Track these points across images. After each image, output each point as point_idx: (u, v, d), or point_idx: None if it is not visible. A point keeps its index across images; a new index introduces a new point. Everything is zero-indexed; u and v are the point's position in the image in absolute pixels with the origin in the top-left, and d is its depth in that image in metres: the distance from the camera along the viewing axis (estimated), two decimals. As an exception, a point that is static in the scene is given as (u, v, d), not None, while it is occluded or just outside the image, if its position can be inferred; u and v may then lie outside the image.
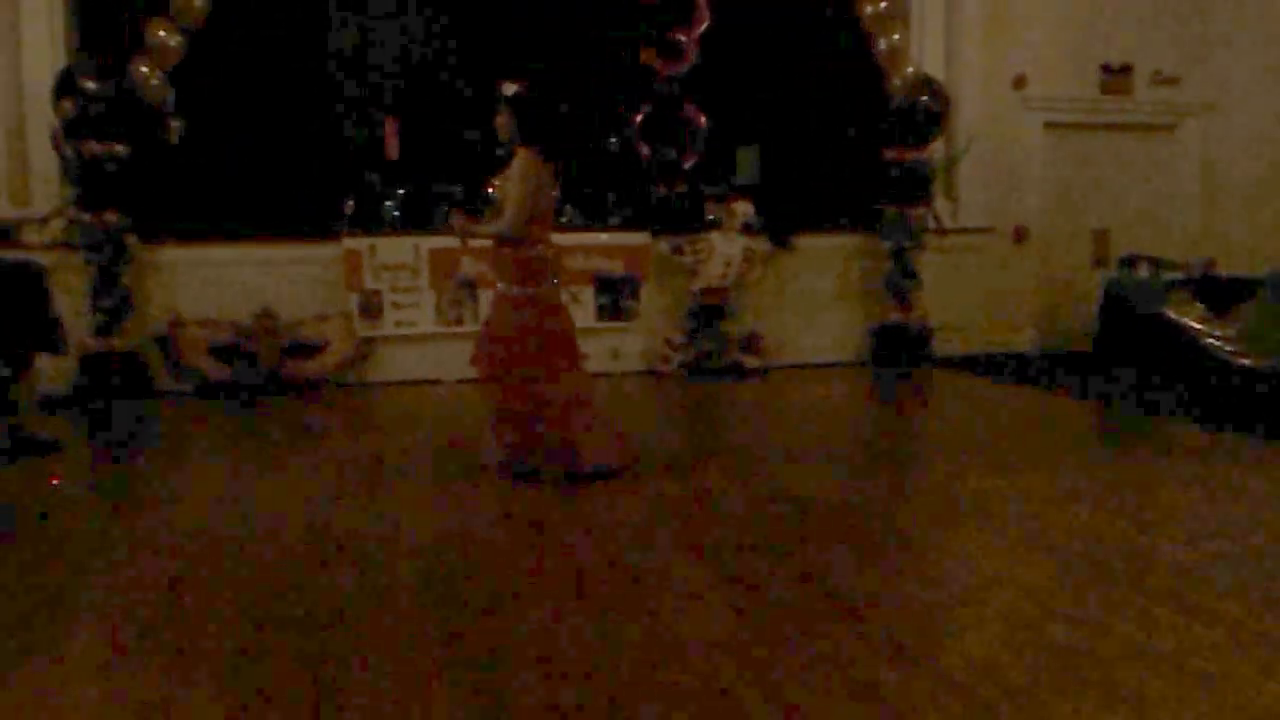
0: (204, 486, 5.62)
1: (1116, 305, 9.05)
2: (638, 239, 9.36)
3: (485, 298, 8.39)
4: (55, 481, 5.67)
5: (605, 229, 9.36)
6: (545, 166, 5.16)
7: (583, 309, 9.16)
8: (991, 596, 3.71)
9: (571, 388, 5.23)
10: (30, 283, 6.40)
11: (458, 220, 5.24)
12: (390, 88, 9.38)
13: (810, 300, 9.89)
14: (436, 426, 7.08)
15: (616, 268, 9.30)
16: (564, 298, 5.54)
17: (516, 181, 5.02)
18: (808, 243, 9.78)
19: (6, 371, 6.31)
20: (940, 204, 10.14)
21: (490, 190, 5.42)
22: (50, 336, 6.51)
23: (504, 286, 5.21)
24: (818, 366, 9.77)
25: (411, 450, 6.24)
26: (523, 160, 5.05)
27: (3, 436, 6.28)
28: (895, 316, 9.83)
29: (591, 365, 8.43)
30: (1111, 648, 3.26)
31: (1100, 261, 10.32)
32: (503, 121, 5.19)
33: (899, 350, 9.79)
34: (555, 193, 5.42)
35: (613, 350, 9.36)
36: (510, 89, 5.14)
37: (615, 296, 9.31)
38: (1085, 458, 6.21)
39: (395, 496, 5.23)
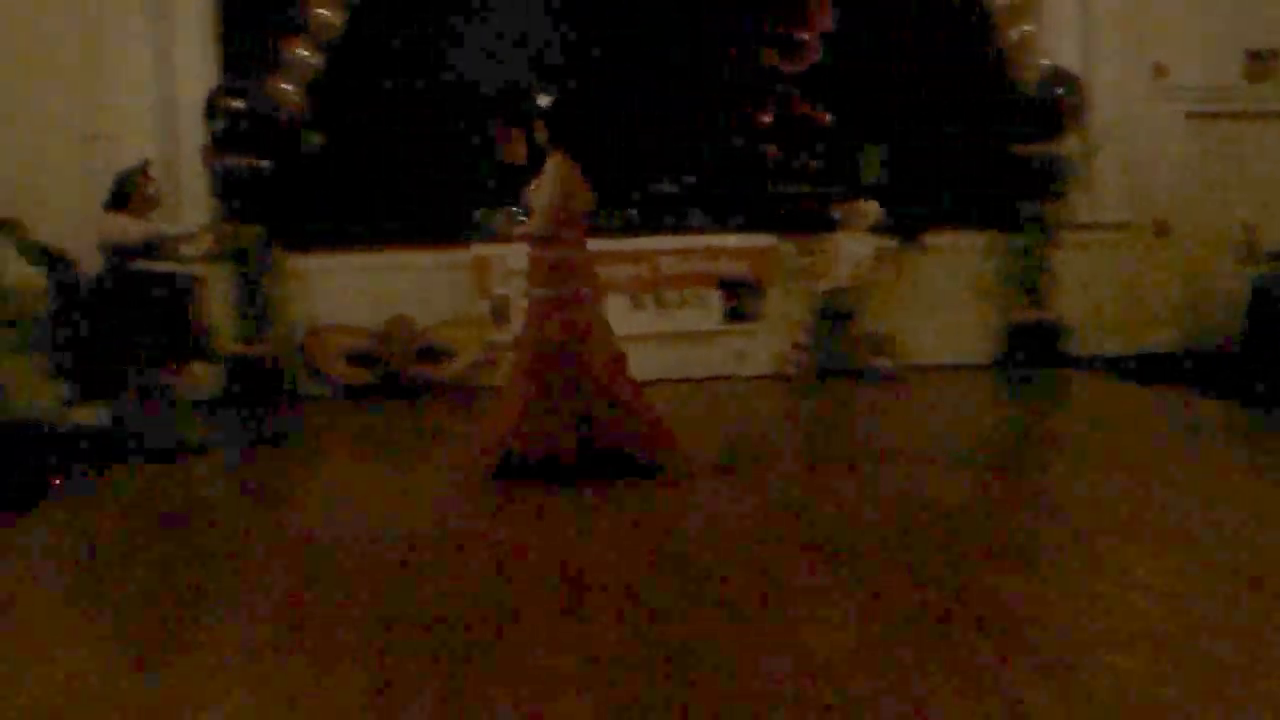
0: (339, 487, 5.74)
1: (1267, 302, 8.60)
2: (763, 241, 9.28)
3: (613, 303, 8.16)
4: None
5: (730, 231, 9.29)
6: (576, 170, 5.34)
7: (708, 312, 9.16)
8: (1137, 607, 3.57)
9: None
10: (182, 293, 6.70)
11: (500, 222, 5.60)
12: (511, 95, 9.30)
13: (940, 300, 9.64)
14: None
15: (742, 270, 9.23)
16: (599, 300, 5.69)
17: (548, 184, 5.24)
18: (937, 241, 9.55)
19: (157, 378, 6.61)
20: (1076, 198, 9.77)
21: (528, 192, 5.57)
22: (201, 344, 6.84)
23: (536, 291, 5.40)
24: (948, 367, 9.49)
25: None
26: (555, 164, 5.28)
27: (166, 437, 6.57)
28: (1029, 315, 9.52)
29: (716, 368, 8.86)
30: (1268, 662, 3.10)
31: (1249, 256, 9.82)
32: (539, 131, 5.43)
33: (1033, 350, 9.48)
34: (590, 198, 5.57)
35: (738, 353, 9.29)
36: (544, 100, 5.47)
37: (741, 299, 9.23)
38: (1231, 463, 5.93)
39: (519, 498, 5.23)
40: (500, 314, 8.89)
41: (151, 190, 6.75)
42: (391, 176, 9.19)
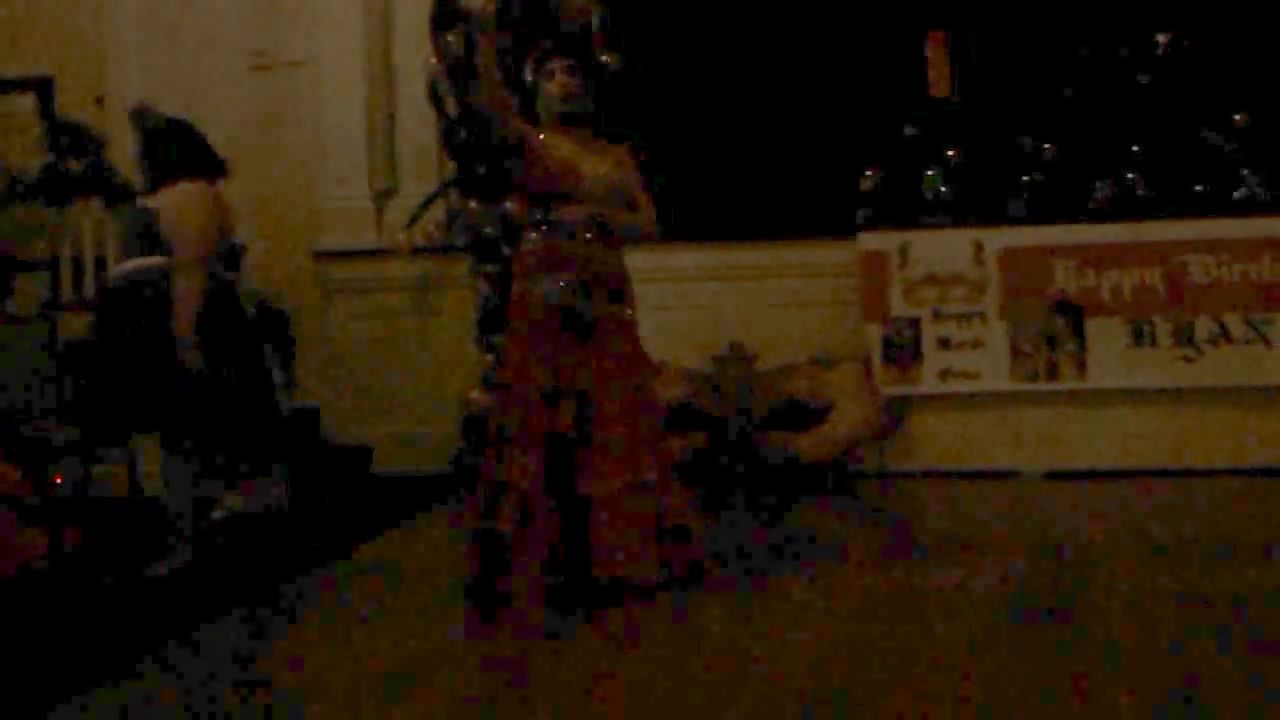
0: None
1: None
2: None
3: (1096, 331, 7.31)
4: None
5: None
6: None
7: (1275, 353, 7.29)
8: None
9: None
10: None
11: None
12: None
13: None
14: (1011, 558, 5.87)
15: None
16: None
17: (632, 172, 5.29)
18: None
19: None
20: None
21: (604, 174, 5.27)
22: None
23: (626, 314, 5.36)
24: None
25: (969, 601, 5.11)
26: (629, 156, 5.36)
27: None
28: None
29: None
30: None
31: None
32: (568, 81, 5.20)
33: None
34: None
35: None
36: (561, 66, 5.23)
37: None
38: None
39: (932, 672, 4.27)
40: (902, 350, 7.61)
41: None
42: (727, 128, 8.00)
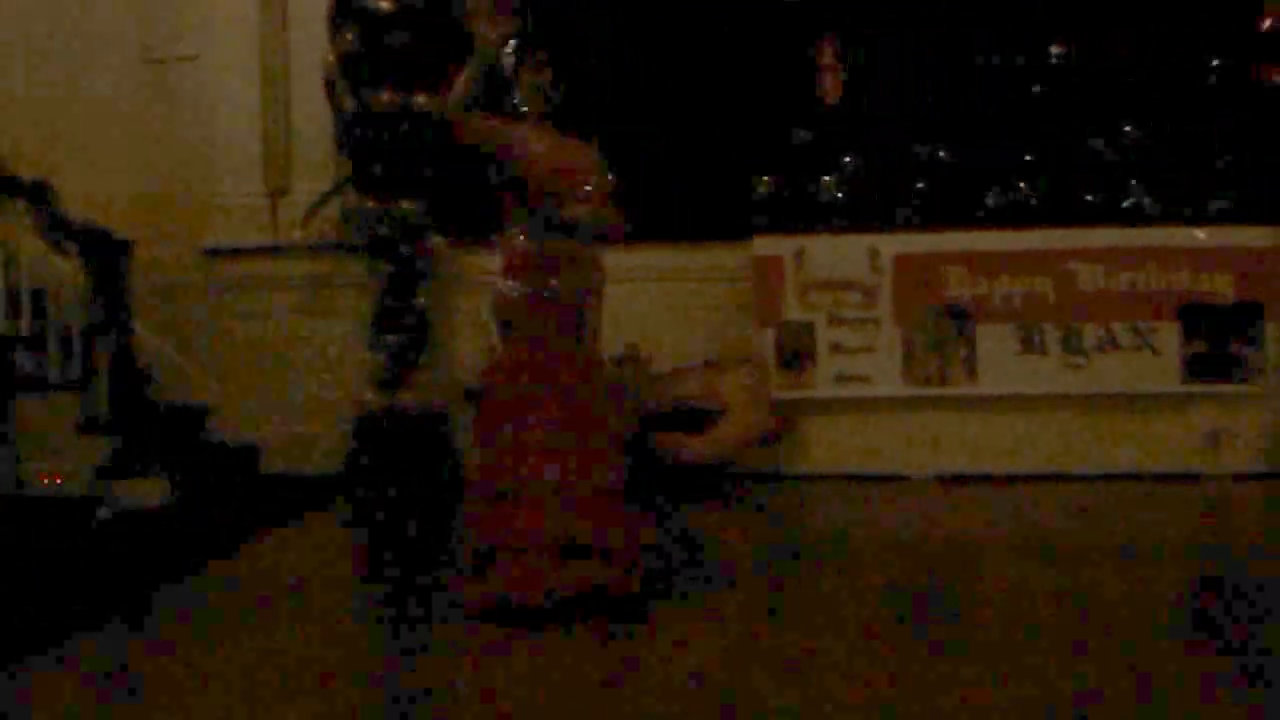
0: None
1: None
2: (1258, 238, 7.55)
3: (987, 337, 7.44)
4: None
5: (1204, 222, 7.63)
6: None
7: (1159, 361, 7.41)
8: None
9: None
10: None
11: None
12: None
13: None
14: (899, 561, 5.94)
15: (1221, 289, 7.59)
16: None
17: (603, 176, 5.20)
18: None
19: None
20: None
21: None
22: None
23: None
24: None
25: (858, 604, 5.06)
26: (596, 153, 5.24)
27: None
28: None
29: (1170, 458, 7.44)
30: None
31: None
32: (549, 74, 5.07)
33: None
34: None
35: (1210, 434, 7.43)
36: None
37: (1218, 339, 7.60)
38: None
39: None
40: (795, 354, 7.67)
41: None
42: (628, 129, 7.75)
